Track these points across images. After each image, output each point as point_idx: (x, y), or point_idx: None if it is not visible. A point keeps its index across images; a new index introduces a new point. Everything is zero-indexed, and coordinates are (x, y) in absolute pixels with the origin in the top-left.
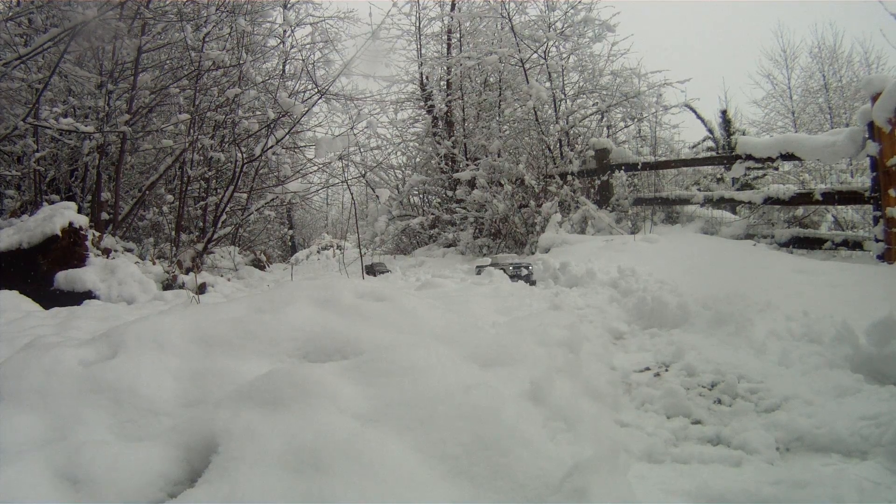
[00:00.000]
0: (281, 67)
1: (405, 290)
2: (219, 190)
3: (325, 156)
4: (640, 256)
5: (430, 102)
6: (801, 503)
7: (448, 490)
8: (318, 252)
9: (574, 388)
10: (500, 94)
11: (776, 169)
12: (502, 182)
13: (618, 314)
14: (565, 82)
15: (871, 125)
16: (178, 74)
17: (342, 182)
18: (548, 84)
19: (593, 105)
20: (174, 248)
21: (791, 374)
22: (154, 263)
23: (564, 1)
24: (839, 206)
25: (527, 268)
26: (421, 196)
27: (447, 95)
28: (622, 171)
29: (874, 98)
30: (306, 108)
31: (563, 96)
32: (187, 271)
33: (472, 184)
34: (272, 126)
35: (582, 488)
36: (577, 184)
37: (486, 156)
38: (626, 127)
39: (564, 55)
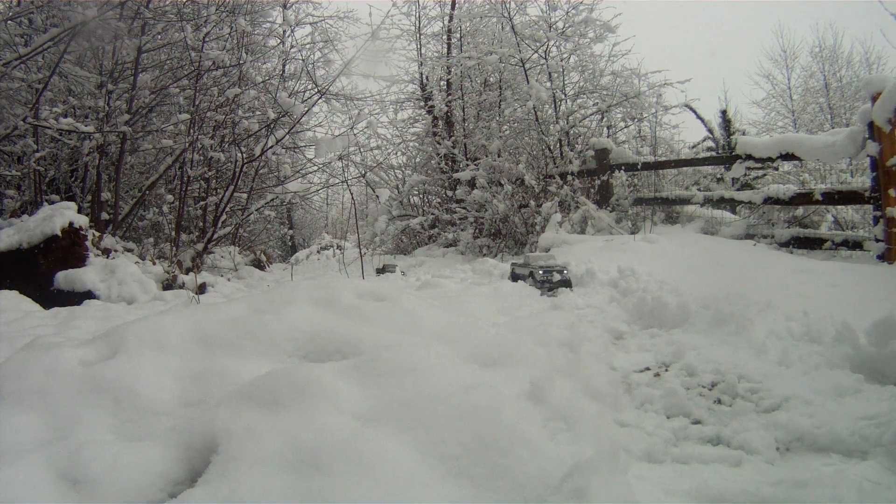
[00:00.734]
0: (281, 67)
1: (405, 290)
2: (219, 190)
3: (325, 156)
4: (640, 256)
5: (430, 102)
6: (801, 503)
7: (448, 490)
8: (318, 252)
9: (574, 388)
10: (500, 94)
11: (776, 169)
12: (502, 182)
13: (618, 314)
14: (566, 82)
15: (871, 125)
16: (178, 74)
17: (342, 182)
18: (548, 84)
19: (593, 105)
20: (174, 248)
21: (791, 374)
22: (154, 263)
23: (566, 1)
24: (839, 206)
25: (560, 272)
26: (421, 196)
27: (447, 95)
28: (622, 171)
29: (874, 98)
30: (306, 108)
31: (563, 96)
32: (187, 271)
33: (472, 184)
34: (272, 126)
35: (582, 488)
36: (577, 184)
37: (486, 156)
38: (626, 127)
39: (565, 55)
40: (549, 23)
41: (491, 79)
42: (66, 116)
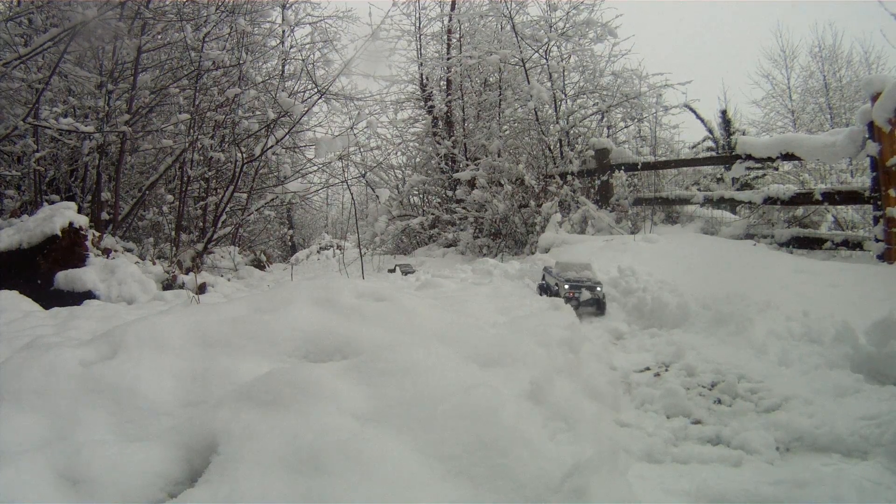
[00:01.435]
0: (281, 67)
1: (405, 290)
2: (219, 190)
3: (325, 156)
4: (640, 256)
5: (430, 102)
6: (801, 503)
7: (448, 490)
8: (318, 252)
9: (574, 388)
10: (500, 94)
11: (776, 169)
12: (502, 182)
13: (618, 314)
14: (566, 82)
15: (870, 125)
16: (178, 74)
17: (342, 182)
18: (548, 84)
19: (594, 105)
20: (174, 248)
21: (791, 374)
22: (154, 263)
23: (566, 1)
24: (839, 206)
25: (592, 288)
26: (421, 196)
27: (447, 95)
28: (622, 171)
29: (874, 98)
30: (306, 108)
31: (563, 96)
32: (187, 271)
33: (472, 184)
34: (272, 126)
35: (582, 488)
36: (577, 184)
37: (486, 156)
38: (626, 127)
39: (565, 55)
40: (549, 23)
41: (491, 79)
42: (66, 116)
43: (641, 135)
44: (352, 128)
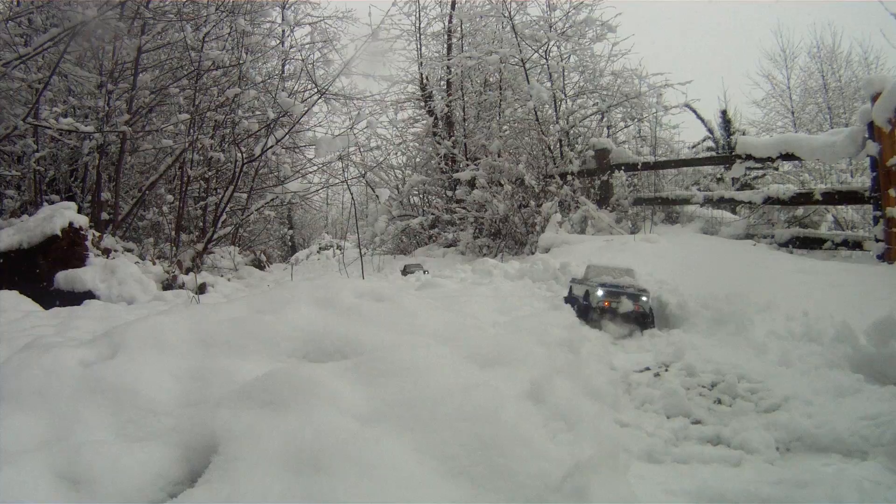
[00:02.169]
0: (280, 67)
1: (405, 290)
2: (219, 190)
3: (325, 156)
4: (640, 256)
5: (430, 103)
6: (801, 503)
7: (448, 490)
8: (318, 252)
9: (574, 388)
10: (500, 94)
11: (776, 169)
12: (502, 182)
13: None
14: (566, 82)
15: (871, 125)
16: (178, 74)
17: (342, 182)
18: (548, 84)
19: (594, 105)
20: (174, 248)
21: (791, 374)
22: (154, 263)
23: (566, 1)
24: (839, 206)
25: (635, 297)
26: (421, 196)
27: (447, 95)
28: (622, 171)
29: (874, 98)
30: (306, 108)
31: (563, 96)
32: (187, 271)
33: (472, 184)
34: (272, 126)
35: (582, 488)
36: (577, 184)
37: (486, 156)
38: (626, 127)
39: (565, 55)
40: (549, 22)
41: (491, 79)
42: (66, 116)
43: (641, 135)
44: (352, 128)
